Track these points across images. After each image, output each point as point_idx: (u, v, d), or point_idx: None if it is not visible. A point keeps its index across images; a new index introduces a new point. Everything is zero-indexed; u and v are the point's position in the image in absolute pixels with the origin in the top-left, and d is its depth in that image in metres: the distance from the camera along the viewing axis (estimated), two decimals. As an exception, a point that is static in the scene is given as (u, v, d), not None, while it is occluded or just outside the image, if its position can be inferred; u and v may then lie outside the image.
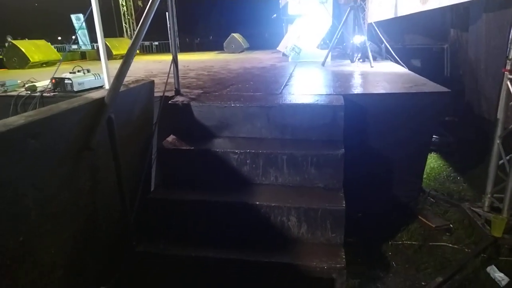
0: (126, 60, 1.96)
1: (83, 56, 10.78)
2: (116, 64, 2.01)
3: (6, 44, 7.98)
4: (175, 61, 2.90)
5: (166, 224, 2.42)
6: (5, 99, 3.42)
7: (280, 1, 8.50)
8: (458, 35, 5.01)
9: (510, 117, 2.87)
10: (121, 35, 13.04)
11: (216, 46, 12.54)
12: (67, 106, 1.68)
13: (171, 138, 2.73)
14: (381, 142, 2.99)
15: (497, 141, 2.90)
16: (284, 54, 6.95)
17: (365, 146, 2.96)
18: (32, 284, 1.48)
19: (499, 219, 2.74)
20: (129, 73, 1.98)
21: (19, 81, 3.97)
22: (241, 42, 10.54)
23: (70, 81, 3.28)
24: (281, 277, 2.11)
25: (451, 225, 3.09)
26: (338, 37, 5.44)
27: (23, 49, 7.57)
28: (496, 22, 3.74)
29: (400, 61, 4.89)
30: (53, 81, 3.36)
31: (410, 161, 3.07)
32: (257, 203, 2.27)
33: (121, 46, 9.98)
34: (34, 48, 7.91)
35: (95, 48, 10.01)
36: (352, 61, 5.43)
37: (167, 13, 2.85)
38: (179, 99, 2.88)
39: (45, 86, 3.48)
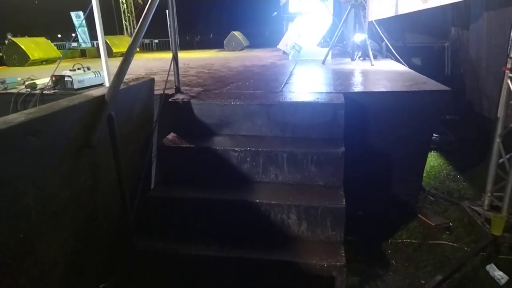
0: (126, 58, 1.96)
1: (83, 53, 10.76)
2: (116, 62, 2.01)
3: (6, 42, 7.96)
4: (175, 59, 2.90)
5: (166, 222, 2.42)
6: (5, 96, 3.43)
7: (280, -1, 8.47)
8: (459, 33, 4.99)
9: (511, 115, 2.87)
10: (121, 33, 13.01)
11: (216, 44, 12.51)
12: (68, 103, 1.68)
13: (171, 136, 2.73)
14: (382, 140, 2.99)
15: (497, 139, 2.90)
16: (284, 52, 6.93)
17: (365, 145, 2.96)
18: (32, 283, 1.48)
19: (498, 218, 2.75)
20: (129, 71, 1.98)
21: (19, 79, 3.97)
22: (241, 40, 10.51)
23: (70, 79, 3.28)
24: (281, 275, 2.11)
25: (450, 224, 3.09)
26: (338, 35, 5.43)
27: (23, 47, 7.55)
28: (497, 21, 3.73)
29: (400, 60, 4.88)
30: (53, 78, 3.36)
31: (411, 159, 3.07)
32: (257, 201, 2.27)
33: (121, 44, 9.96)
34: (34, 46, 7.89)
35: (95, 45, 10.00)
36: (353, 59, 5.42)
37: (167, 10, 2.85)
38: (179, 97, 2.88)
39: (45, 84, 3.48)
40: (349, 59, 5.57)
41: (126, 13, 13.13)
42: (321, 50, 5.77)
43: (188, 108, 2.74)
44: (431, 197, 3.57)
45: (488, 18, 3.94)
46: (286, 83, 3.56)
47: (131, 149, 2.34)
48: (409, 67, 4.46)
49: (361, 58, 5.30)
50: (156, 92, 2.80)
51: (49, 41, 8.88)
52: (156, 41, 14.42)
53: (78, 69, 3.44)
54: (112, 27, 12.78)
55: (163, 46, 13.81)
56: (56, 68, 3.38)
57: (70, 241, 1.73)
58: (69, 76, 3.29)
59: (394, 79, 3.60)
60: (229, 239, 2.26)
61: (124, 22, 13.16)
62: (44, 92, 3.32)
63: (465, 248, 2.79)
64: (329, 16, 5.96)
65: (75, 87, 3.28)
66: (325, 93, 2.94)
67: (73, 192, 1.72)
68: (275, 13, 10.55)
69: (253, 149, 2.45)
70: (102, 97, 1.85)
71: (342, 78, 3.81)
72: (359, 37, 5.25)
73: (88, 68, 3.50)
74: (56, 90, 3.33)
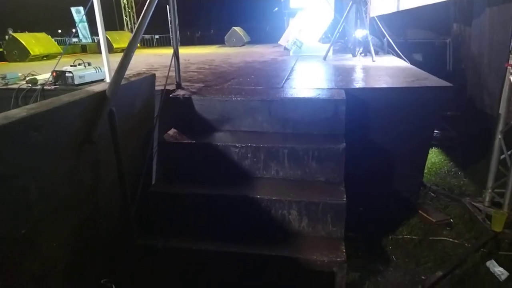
0: (127, 53, 1.96)
1: (83, 49, 10.72)
2: (117, 58, 2.00)
3: (7, 37, 7.95)
4: (176, 54, 2.89)
5: (167, 217, 2.43)
6: (6, 92, 3.42)
7: (281, -6, 8.44)
8: (461, 29, 4.96)
9: (512, 112, 2.86)
10: (122, 28, 12.95)
11: (217, 39, 12.47)
12: (69, 99, 1.68)
13: (172, 131, 2.72)
14: (383, 136, 2.98)
15: (499, 136, 2.90)
16: (285, 48, 6.92)
17: (366, 141, 2.95)
18: (34, 280, 1.48)
19: (499, 214, 2.75)
20: (130, 66, 1.97)
21: (20, 74, 3.96)
22: (242, 36, 10.47)
23: (71, 74, 3.27)
24: (282, 270, 2.12)
25: (451, 220, 3.10)
26: (340, 31, 5.40)
27: (23, 42, 7.54)
28: (500, 17, 3.71)
29: (402, 55, 4.86)
30: (54, 74, 3.35)
31: (412, 155, 3.07)
32: (258, 196, 2.27)
33: (122, 39, 9.93)
34: (35, 41, 7.88)
35: (96, 41, 9.96)
36: (354, 55, 5.39)
37: (167, 6, 2.84)
38: (180, 92, 2.87)
39: (46, 79, 3.47)
40: (350, 55, 5.54)
41: (127, 8, 13.06)
42: (322, 46, 5.75)
43: (189, 104, 2.74)
44: (432, 193, 3.57)
45: (490, 14, 3.92)
46: (287, 79, 3.55)
47: (132, 145, 2.34)
48: (411, 63, 4.44)
49: (363, 54, 5.27)
50: (157, 88, 2.80)
51: (49, 36, 8.86)
52: (157, 36, 14.38)
53: (79, 64, 3.43)
54: (113, 22, 12.73)
55: (164, 42, 13.77)
56: (57, 64, 3.37)
57: (71, 236, 1.74)
58: (70, 72, 3.28)
59: (396, 75, 3.58)
60: (230, 234, 2.27)
61: (124, 17, 13.11)
62: (45, 87, 3.31)
63: (466, 244, 2.80)
64: (330, 11, 5.94)
65: (76, 82, 3.27)
66: (326, 89, 2.93)
67: (74, 188, 1.73)
68: (276, 8, 10.51)
69: (254, 145, 2.45)
70: (103, 92, 1.85)
71: (343, 74, 3.79)
72: (361, 33, 5.22)
73: (89, 64, 3.49)
74: (57, 86, 3.32)
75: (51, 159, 1.55)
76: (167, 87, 2.87)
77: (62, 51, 7.92)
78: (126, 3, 12.99)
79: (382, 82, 3.22)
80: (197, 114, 2.75)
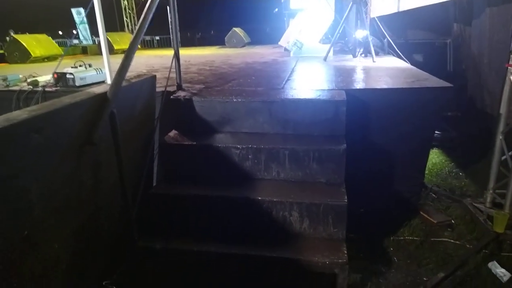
0: (128, 54, 1.96)
1: (84, 50, 10.74)
2: (118, 59, 2.00)
3: (8, 39, 7.96)
4: (176, 55, 2.89)
5: (168, 219, 2.42)
6: (7, 93, 3.42)
7: (282, -5, 8.43)
8: (461, 29, 4.96)
9: (513, 112, 2.86)
10: (122, 30, 12.97)
11: (218, 40, 12.47)
12: (70, 100, 1.68)
13: (173, 133, 2.72)
14: (383, 137, 2.98)
15: (500, 136, 2.89)
16: (285, 49, 6.91)
17: (367, 142, 2.95)
18: (36, 280, 1.49)
19: (501, 215, 2.74)
20: (130, 68, 1.97)
21: (21, 76, 3.96)
22: (243, 37, 10.48)
23: (72, 76, 3.28)
24: (283, 272, 2.12)
25: (452, 221, 3.09)
26: (340, 32, 5.40)
27: (24, 44, 7.55)
28: (500, 17, 3.71)
29: (402, 56, 4.86)
30: (55, 76, 3.35)
31: (413, 156, 3.06)
32: (259, 198, 2.27)
33: (122, 40, 9.95)
34: (36, 43, 7.89)
35: (96, 42, 9.98)
36: (354, 56, 5.40)
37: (168, 7, 2.84)
38: (181, 94, 2.87)
39: (47, 81, 3.47)
40: (350, 56, 5.55)
41: (127, 9, 13.08)
42: (323, 47, 5.75)
43: (189, 105, 2.74)
44: (433, 194, 3.57)
45: (490, 14, 3.91)
46: (288, 80, 3.55)
47: (133, 147, 2.34)
48: (411, 64, 4.44)
49: (363, 55, 5.28)
50: (157, 89, 2.80)
51: (50, 38, 8.87)
52: (157, 38, 14.39)
53: (80, 66, 3.44)
54: (113, 23, 12.75)
55: (164, 43, 13.78)
56: (58, 65, 3.38)
57: (72, 237, 1.74)
58: (71, 73, 3.28)
59: (396, 76, 3.58)
60: (231, 236, 2.27)
61: (125, 18, 13.12)
62: (46, 89, 3.32)
63: (467, 246, 2.79)
64: (330, 12, 5.93)
65: (77, 84, 3.28)
66: (327, 90, 2.93)
67: (75, 189, 1.73)
68: (277, 9, 10.52)
69: (254, 146, 2.45)
70: (104, 94, 1.85)
71: (343, 75, 3.79)
72: (361, 34, 5.22)
73: (90, 65, 3.49)
74: (58, 88, 3.33)
75: (52, 160, 1.55)
76: (168, 89, 2.87)
77: (62, 52, 7.93)
78: (126, 4, 13.02)
79: (383, 83, 3.22)
80: (198, 115, 2.75)
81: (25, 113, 1.42)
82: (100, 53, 3.02)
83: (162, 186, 2.54)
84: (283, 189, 2.37)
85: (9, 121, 1.32)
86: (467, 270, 2.50)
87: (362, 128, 2.92)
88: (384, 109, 2.92)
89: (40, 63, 7.55)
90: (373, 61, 4.74)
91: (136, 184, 2.34)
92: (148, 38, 14.27)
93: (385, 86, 3.04)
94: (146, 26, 2.12)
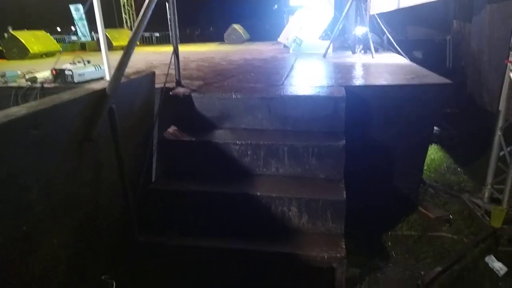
0: (127, 51, 1.96)
1: (83, 47, 10.70)
2: (116, 56, 2.00)
3: (6, 35, 7.92)
4: (175, 52, 2.89)
5: (167, 215, 2.43)
6: (5, 90, 3.41)
7: (281, -9, 8.41)
8: (461, 26, 4.96)
9: (512, 108, 2.86)
10: (121, 26, 12.91)
11: (217, 37, 12.43)
12: (69, 96, 1.68)
13: (172, 129, 2.73)
14: (382, 133, 2.99)
15: (499, 132, 2.90)
16: (285, 46, 6.90)
17: (366, 138, 2.96)
18: (36, 279, 1.49)
19: (498, 210, 2.76)
20: (129, 64, 1.97)
21: (19, 72, 3.95)
22: (242, 33, 10.44)
23: (71, 72, 3.27)
24: (282, 266, 2.13)
25: (450, 216, 3.11)
26: (340, 28, 5.40)
27: (22, 40, 7.52)
28: (500, 14, 3.70)
29: (402, 53, 4.86)
30: (54, 72, 3.35)
31: (411, 153, 3.07)
32: (258, 194, 2.28)
33: (121, 37, 9.90)
34: (34, 39, 7.86)
35: (95, 39, 9.95)
36: (354, 53, 5.39)
37: (167, 4, 2.83)
38: (180, 90, 2.87)
39: (46, 77, 3.47)
40: (350, 53, 5.54)
41: (126, 6, 13.03)
42: (322, 44, 5.74)
43: (188, 101, 2.74)
44: (431, 190, 3.58)
45: (490, 11, 3.91)
46: (287, 76, 3.55)
47: (132, 143, 2.34)
48: (411, 60, 4.44)
49: (362, 52, 5.27)
50: (156, 86, 2.80)
51: (48, 34, 8.83)
52: (157, 34, 14.32)
53: (79, 62, 3.43)
54: (112, 20, 12.70)
55: (164, 40, 13.72)
56: (56, 62, 3.37)
57: (72, 235, 1.74)
58: (69, 70, 3.28)
59: (395, 72, 3.58)
60: (230, 231, 2.28)
61: (123, 15, 13.08)
62: (45, 85, 3.31)
63: (465, 240, 2.81)
64: (330, 9, 5.93)
65: (75, 80, 3.27)
66: (326, 87, 2.93)
67: (74, 186, 1.73)
68: (276, 6, 10.50)
69: (254, 142, 2.46)
70: (103, 90, 1.85)
71: (343, 71, 3.79)
72: (361, 30, 5.21)
73: (89, 62, 3.48)
74: (57, 84, 3.32)
75: (51, 157, 1.55)
76: (167, 85, 2.87)
77: (61, 49, 7.91)
78: (125, 0, 12.96)
79: (382, 80, 3.22)
80: (197, 111, 2.75)
81: (24, 109, 1.42)
82: (99, 50, 3.02)
83: (161, 182, 2.54)
84: (282, 184, 2.38)
85: (7, 117, 1.32)
86: (465, 264, 2.52)
87: (361, 124, 2.92)
88: (383, 106, 2.92)
89: (39, 59, 7.52)
90: (373, 58, 4.74)
91: (136, 180, 2.34)
92: (147, 34, 14.19)
93: (384, 83, 3.04)
94: (145, 22, 2.12)
